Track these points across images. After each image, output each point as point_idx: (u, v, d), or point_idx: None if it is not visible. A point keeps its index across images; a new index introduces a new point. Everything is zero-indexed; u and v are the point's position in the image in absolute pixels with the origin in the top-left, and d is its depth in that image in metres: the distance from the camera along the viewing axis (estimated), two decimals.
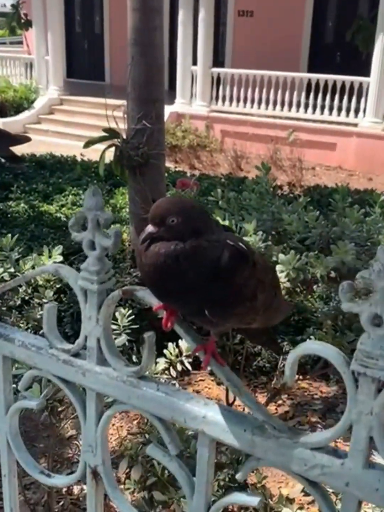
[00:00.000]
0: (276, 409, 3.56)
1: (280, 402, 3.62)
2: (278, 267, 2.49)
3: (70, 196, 6.45)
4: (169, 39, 12.29)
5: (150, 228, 0.83)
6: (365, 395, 0.68)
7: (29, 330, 2.82)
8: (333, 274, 2.68)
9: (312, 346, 0.71)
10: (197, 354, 0.83)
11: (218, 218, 2.60)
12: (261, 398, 3.45)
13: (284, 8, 11.80)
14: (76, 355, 0.92)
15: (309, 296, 3.72)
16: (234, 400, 2.76)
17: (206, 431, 0.80)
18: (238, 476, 0.80)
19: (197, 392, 3.71)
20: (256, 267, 0.86)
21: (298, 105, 10.37)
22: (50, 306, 0.91)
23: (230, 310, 0.84)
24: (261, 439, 0.76)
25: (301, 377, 3.35)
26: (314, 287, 3.06)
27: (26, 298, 3.56)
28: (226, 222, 2.58)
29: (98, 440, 0.92)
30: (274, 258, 2.55)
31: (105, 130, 4.17)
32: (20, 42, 17.13)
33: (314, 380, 3.74)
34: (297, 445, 0.74)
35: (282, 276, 2.44)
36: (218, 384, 3.65)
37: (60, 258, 2.82)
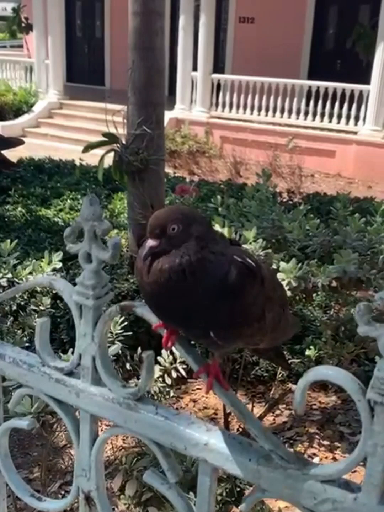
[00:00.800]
0: (274, 419, 3.50)
1: (278, 412, 3.56)
2: (279, 276, 2.44)
3: (68, 201, 6.40)
4: (169, 44, 12.28)
5: (150, 242, 0.77)
6: (382, 426, 0.62)
7: (25, 338, 2.76)
8: (333, 283, 2.63)
9: (324, 371, 0.65)
10: (200, 377, 0.77)
11: (217, 225, 2.55)
12: (259, 408, 3.40)
13: (285, 15, 11.80)
14: (70, 373, 0.86)
15: (308, 305, 3.68)
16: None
17: (208, 459, 0.74)
18: (241, 507, 0.75)
19: (194, 401, 3.65)
20: (265, 284, 0.80)
21: (298, 112, 10.36)
22: (42, 321, 0.85)
23: (238, 332, 0.78)
24: (267, 469, 0.71)
25: None
26: (313, 295, 3.01)
27: (22, 303, 3.51)
28: (226, 229, 2.53)
29: (92, 464, 0.86)
30: (274, 266, 2.51)
31: (104, 134, 4.12)
32: (21, 46, 17.12)
33: (312, 390, 3.69)
34: (306, 477, 0.68)
35: (283, 285, 2.40)
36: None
37: (60, 265, 2.77)
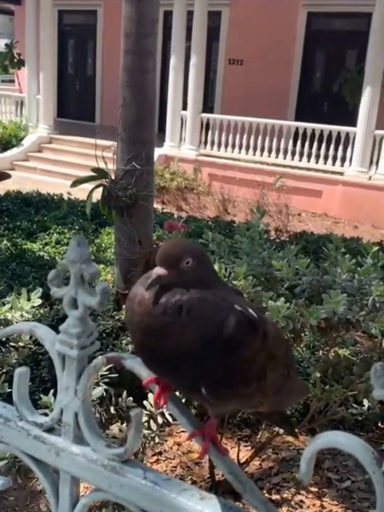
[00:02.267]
0: (260, 464, 3.39)
1: (264, 456, 3.46)
2: (266, 315, 2.39)
3: (55, 235, 6.34)
4: (160, 83, 12.50)
5: (159, 270, 0.70)
6: None
7: (4, 376, 2.65)
8: (322, 324, 2.58)
9: (333, 438, 0.58)
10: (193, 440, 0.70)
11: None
12: (245, 452, 3.29)
13: (274, 58, 12.11)
14: (50, 430, 0.78)
15: (296, 345, 3.62)
16: None
17: None
18: None
19: (178, 444, 3.54)
20: (268, 340, 0.72)
21: (285, 152, 10.50)
22: (21, 371, 0.78)
23: (232, 391, 0.70)
24: None
25: None
26: (301, 335, 2.95)
27: (3, 339, 3.39)
28: (216, 266, 2.49)
29: None
30: (263, 305, 2.46)
31: (93, 169, 4.11)
32: (12, 81, 17.31)
33: (300, 434, 3.60)
34: None
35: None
36: None
37: (39, 302, 2.68)
